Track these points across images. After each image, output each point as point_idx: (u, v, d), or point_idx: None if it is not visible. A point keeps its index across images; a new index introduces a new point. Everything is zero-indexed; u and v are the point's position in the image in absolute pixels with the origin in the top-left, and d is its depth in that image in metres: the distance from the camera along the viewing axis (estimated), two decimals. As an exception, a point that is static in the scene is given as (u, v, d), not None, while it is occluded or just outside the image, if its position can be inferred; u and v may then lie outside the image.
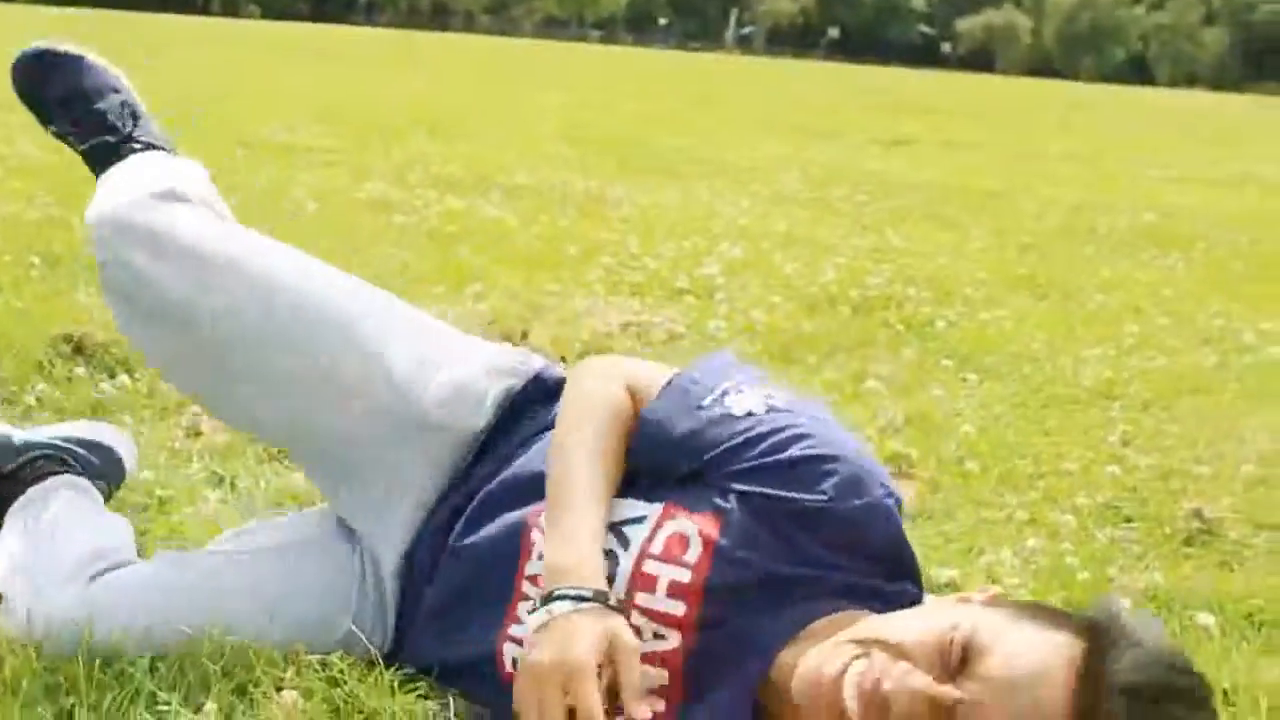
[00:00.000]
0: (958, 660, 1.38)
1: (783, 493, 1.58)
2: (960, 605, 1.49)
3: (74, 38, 2.26)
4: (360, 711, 1.70)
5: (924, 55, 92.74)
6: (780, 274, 5.23)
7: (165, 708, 1.65)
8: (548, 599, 1.53)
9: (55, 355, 3.15)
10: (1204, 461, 3.26)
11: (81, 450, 2.20)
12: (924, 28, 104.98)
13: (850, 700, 1.40)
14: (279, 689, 1.70)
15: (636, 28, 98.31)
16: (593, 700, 1.42)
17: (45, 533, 1.92)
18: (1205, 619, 2.29)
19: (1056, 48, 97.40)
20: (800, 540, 1.58)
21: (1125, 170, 12.17)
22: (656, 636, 1.59)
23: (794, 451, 1.60)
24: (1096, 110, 27.46)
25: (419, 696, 1.74)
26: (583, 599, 1.51)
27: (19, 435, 2.19)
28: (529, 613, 1.55)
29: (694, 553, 1.60)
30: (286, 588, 1.83)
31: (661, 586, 1.59)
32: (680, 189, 7.95)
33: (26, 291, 3.77)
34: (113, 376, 3.08)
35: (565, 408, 1.76)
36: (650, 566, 1.61)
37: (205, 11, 61.61)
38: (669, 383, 1.75)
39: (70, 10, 33.09)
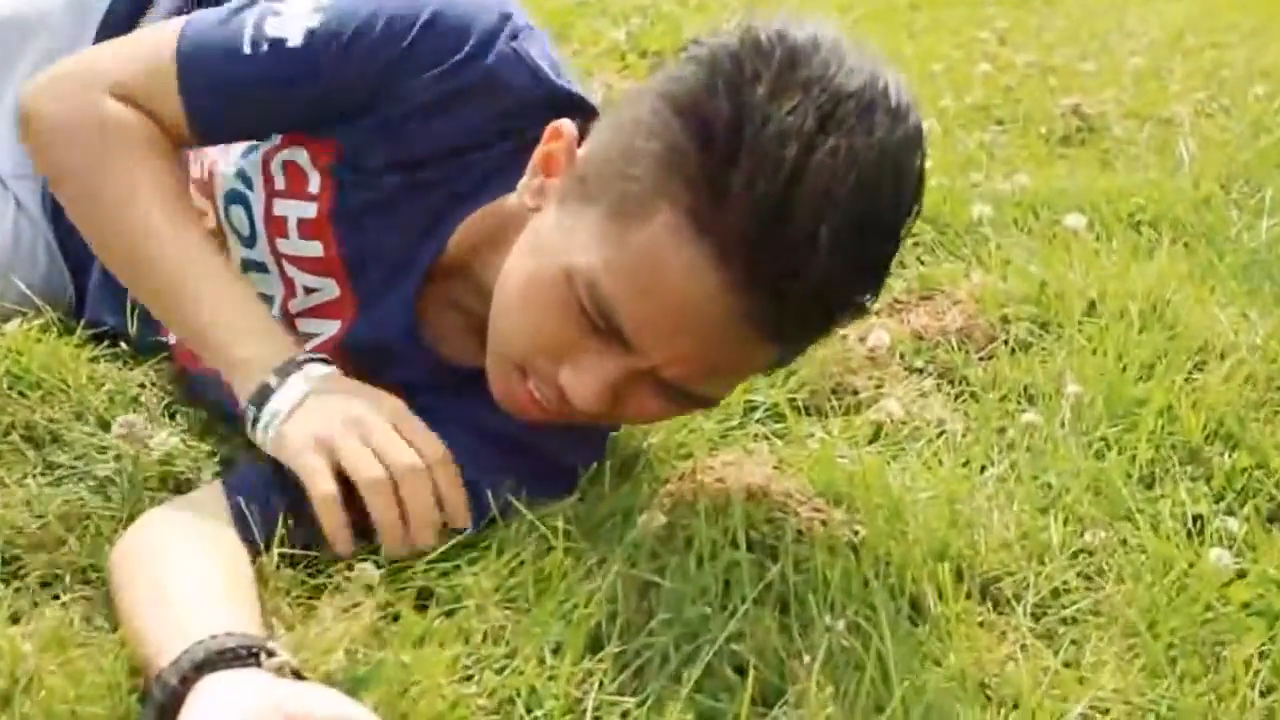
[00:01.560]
0: (605, 321, 1.08)
1: (395, 89, 1.22)
2: (536, 209, 1.17)
3: None
4: (39, 386, 1.40)
5: None
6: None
7: None
8: (288, 371, 1.17)
9: None
10: (1089, 56, 2.94)
11: None
12: None
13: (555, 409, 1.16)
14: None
15: None
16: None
17: None
18: (1075, 221, 1.99)
19: None
20: (432, 130, 1.24)
21: None
22: (309, 291, 1.32)
23: (387, 41, 1.22)
24: None
25: (117, 364, 1.44)
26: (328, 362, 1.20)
27: None
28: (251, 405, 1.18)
29: (315, 182, 1.29)
30: None
31: (292, 227, 1.30)
32: None
33: None
34: None
35: (60, 162, 1.30)
36: (279, 206, 1.31)
37: None
38: (179, 55, 1.26)
39: None
